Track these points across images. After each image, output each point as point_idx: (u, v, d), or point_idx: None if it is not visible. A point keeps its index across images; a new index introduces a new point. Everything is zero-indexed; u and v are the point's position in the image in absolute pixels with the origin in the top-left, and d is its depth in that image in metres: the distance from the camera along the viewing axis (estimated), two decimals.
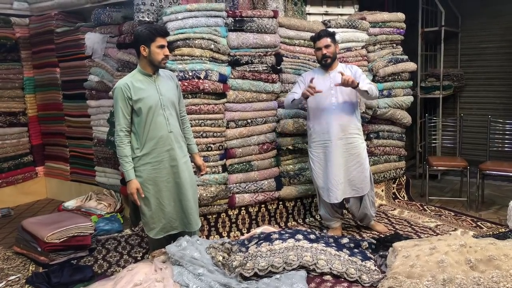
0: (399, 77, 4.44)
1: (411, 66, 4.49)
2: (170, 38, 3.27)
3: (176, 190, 2.93)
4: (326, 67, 3.54)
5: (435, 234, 3.70)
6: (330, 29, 3.96)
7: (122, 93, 2.75)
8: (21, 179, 5.12)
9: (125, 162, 2.80)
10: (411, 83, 4.57)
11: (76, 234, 3.46)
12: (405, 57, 4.51)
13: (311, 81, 3.35)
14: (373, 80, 4.29)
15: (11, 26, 5.00)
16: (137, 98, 2.76)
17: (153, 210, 2.89)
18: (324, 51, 3.47)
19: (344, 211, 3.97)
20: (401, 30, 4.50)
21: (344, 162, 3.53)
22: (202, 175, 3.26)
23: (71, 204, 4.37)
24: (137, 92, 2.77)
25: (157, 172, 2.86)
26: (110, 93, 4.04)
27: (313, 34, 3.85)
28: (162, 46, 2.78)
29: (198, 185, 3.31)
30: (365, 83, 3.40)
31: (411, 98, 4.55)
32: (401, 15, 4.49)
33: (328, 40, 3.47)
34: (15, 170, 5.08)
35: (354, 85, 3.30)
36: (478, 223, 3.98)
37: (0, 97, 4.96)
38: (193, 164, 3.12)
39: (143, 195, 2.83)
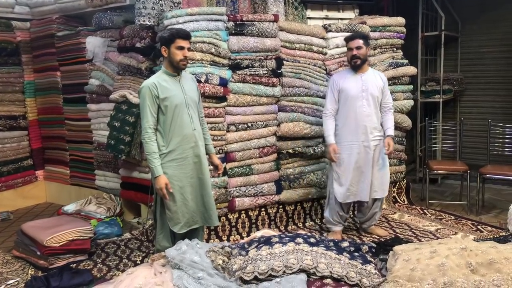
0: (399, 81, 4.45)
1: (411, 70, 4.50)
2: None
3: (198, 186, 3.04)
4: (355, 69, 3.56)
5: (435, 238, 3.70)
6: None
7: (149, 92, 2.85)
8: (20, 183, 5.11)
9: (154, 158, 2.87)
10: (411, 87, 4.58)
11: (75, 238, 3.45)
12: (405, 61, 4.52)
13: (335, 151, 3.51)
14: None
15: (12, 30, 5.01)
16: (164, 97, 2.87)
17: (178, 206, 2.97)
18: (355, 52, 3.50)
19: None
20: (401, 34, 4.51)
21: (372, 164, 3.57)
22: (218, 174, 3.36)
23: (70, 208, 4.36)
24: (164, 91, 2.88)
25: (181, 169, 2.96)
26: (111, 96, 4.08)
27: (313, 38, 3.86)
28: (181, 48, 2.88)
29: None
30: (388, 106, 3.64)
31: (411, 102, 4.55)
32: (401, 20, 4.50)
33: (360, 42, 3.50)
34: (15, 174, 5.06)
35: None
36: (479, 227, 3.98)
37: (1, 100, 4.95)
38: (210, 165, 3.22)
39: (171, 190, 2.89)
